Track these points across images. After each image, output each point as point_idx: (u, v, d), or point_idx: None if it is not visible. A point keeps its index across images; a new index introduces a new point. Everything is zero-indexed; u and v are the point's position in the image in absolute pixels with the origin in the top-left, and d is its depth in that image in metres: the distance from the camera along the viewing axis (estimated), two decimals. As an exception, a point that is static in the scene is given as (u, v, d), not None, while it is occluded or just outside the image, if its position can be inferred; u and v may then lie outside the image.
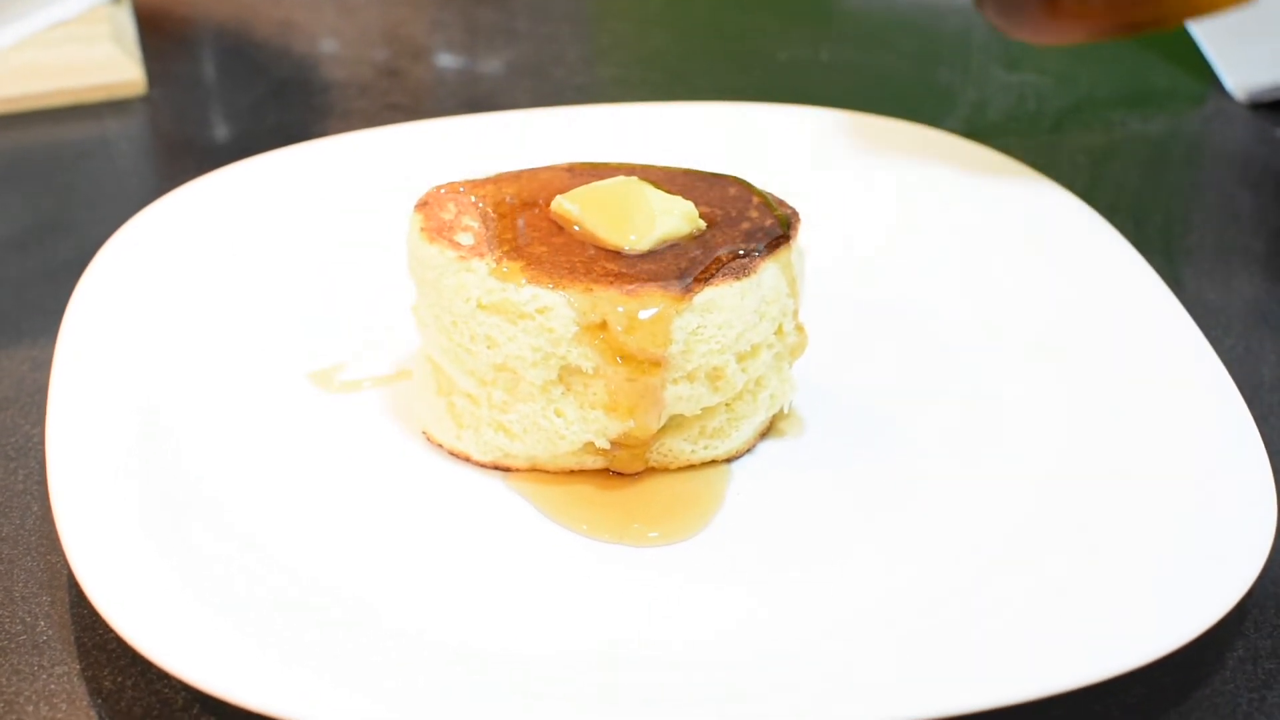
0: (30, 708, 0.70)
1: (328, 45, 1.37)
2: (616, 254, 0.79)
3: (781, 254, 0.81)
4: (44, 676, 0.72)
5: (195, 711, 0.70)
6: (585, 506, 0.79)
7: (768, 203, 0.84)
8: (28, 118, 1.21)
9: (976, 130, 1.23)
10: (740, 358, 0.80)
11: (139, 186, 1.16)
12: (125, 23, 1.28)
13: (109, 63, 1.23)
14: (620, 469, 0.81)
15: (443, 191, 0.83)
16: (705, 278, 0.78)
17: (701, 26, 1.42)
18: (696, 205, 0.82)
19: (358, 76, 1.31)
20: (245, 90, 1.28)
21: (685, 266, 0.78)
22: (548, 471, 0.81)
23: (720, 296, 0.78)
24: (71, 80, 1.22)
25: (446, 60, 1.35)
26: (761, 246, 0.80)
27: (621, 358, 0.77)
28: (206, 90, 1.29)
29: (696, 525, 0.78)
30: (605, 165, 0.87)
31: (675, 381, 0.78)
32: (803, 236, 0.83)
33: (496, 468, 0.82)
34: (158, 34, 1.36)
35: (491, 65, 1.32)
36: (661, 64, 1.31)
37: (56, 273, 1.01)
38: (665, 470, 0.82)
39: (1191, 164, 1.19)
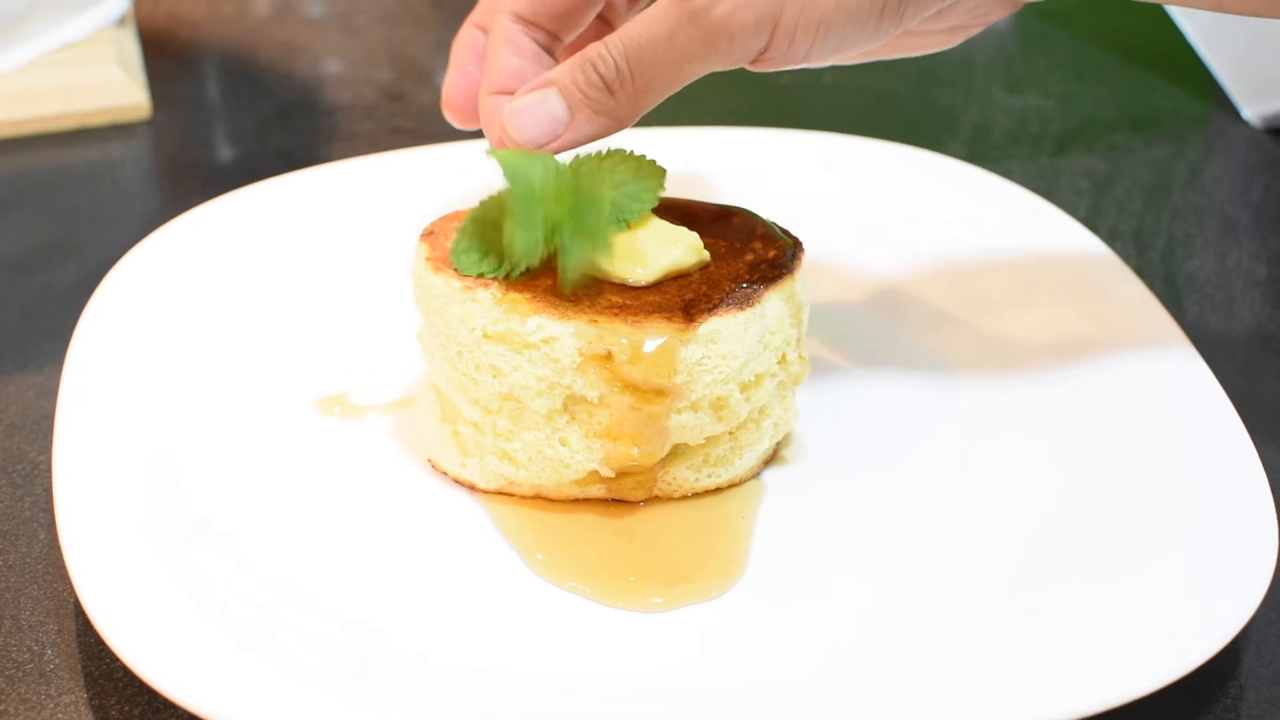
0: (37, 737, 0.71)
1: (332, 67, 1.37)
2: (621, 285, 0.79)
3: (785, 284, 0.81)
4: (51, 705, 0.72)
5: (202, 741, 0.70)
6: (585, 571, 0.78)
7: (772, 232, 0.84)
8: (32, 141, 1.21)
9: (979, 153, 1.23)
10: (744, 387, 0.80)
11: (144, 210, 1.16)
12: (130, 46, 1.28)
13: (113, 86, 1.23)
14: (624, 497, 0.81)
15: (449, 222, 0.84)
16: (709, 309, 0.78)
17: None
18: (701, 236, 0.82)
19: (362, 99, 1.31)
20: (250, 113, 1.29)
21: (690, 298, 0.79)
22: (552, 499, 0.81)
23: (724, 327, 0.78)
24: (76, 103, 1.22)
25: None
26: (765, 277, 0.81)
27: (626, 387, 0.77)
28: (211, 113, 1.29)
29: (707, 592, 0.78)
30: None
31: (679, 411, 0.79)
32: (806, 265, 0.83)
33: (501, 494, 0.82)
34: (162, 57, 1.36)
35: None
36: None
37: (62, 297, 1.01)
38: (669, 499, 0.82)
39: (1194, 187, 1.19)
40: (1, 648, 0.75)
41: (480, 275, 0.79)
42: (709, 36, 0.75)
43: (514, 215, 0.77)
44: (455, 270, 0.80)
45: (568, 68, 0.78)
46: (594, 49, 0.77)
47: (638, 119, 0.79)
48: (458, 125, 0.88)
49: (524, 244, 0.77)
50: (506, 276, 0.79)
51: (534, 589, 0.77)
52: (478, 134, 0.86)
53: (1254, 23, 1.25)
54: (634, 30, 0.76)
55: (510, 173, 0.77)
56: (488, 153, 0.79)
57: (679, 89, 0.78)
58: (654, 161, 0.82)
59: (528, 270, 0.79)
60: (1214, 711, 0.73)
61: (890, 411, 0.89)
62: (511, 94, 0.82)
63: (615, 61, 0.76)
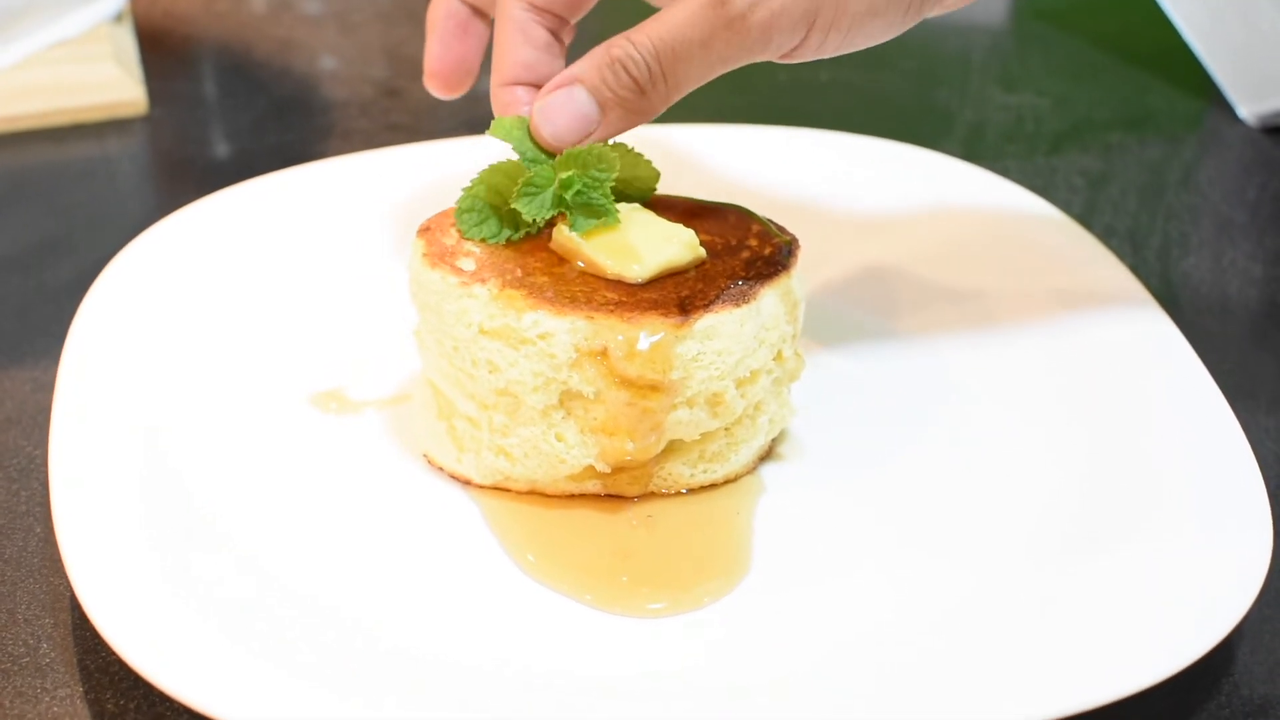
0: (33, 731, 0.71)
1: (328, 64, 1.37)
2: (618, 282, 0.79)
3: (781, 281, 0.81)
4: (46, 699, 0.72)
5: (197, 735, 0.70)
6: (580, 575, 0.78)
7: (768, 229, 0.84)
8: (29, 137, 1.21)
9: (975, 152, 1.23)
10: (739, 383, 0.80)
11: (140, 206, 1.16)
12: (126, 42, 1.28)
13: (110, 82, 1.23)
14: (620, 493, 0.81)
15: (446, 218, 0.84)
16: (705, 305, 0.78)
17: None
18: (697, 233, 0.82)
19: (358, 95, 1.31)
20: (246, 109, 1.29)
21: (686, 294, 0.79)
22: (547, 495, 0.81)
23: (720, 323, 0.78)
24: (73, 99, 1.22)
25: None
26: (761, 274, 0.81)
27: (622, 383, 0.77)
28: (208, 109, 1.29)
29: (704, 598, 0.77)
30: None
31: (675, 406, 0.79)
32: (802, 262, 0.83)
33: (496, 490, 0.82)
34: (159, 53, 1.36)
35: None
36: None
37: (58, 293, 1.01)
38: (665, 495, 0.82)
39: (1189, 186, 1.20)
40: (-3, 642, 0.75)
41: (483, 240, 0.81)
42: (746, 41, 0.77)
43: (523, 179, 0.80)
44: (457, 231, 0.81)
45: (595, 66, 0.79)
46: (621, 48, 0.78)
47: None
48: (442, 96, 0.89)
49: (532, 208, 0.80)
50: (508, 240, 0.81)
51: (530, 586, 0.77)
52: (474, 130, 0.86)
53: (1250, 22, 1.25)
54: (664, 32, 0.77)
55: (519, 144, 0.80)
56: (490, 131, 0.81)
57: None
58: (650, 162, 0.83)
59: (526, 234, 0.81)
60: (1208, 708, 0.73)
61: (886, 408, 0.89)
62: (524, 86, 0.83)
63: (647, 63, 0.78)
